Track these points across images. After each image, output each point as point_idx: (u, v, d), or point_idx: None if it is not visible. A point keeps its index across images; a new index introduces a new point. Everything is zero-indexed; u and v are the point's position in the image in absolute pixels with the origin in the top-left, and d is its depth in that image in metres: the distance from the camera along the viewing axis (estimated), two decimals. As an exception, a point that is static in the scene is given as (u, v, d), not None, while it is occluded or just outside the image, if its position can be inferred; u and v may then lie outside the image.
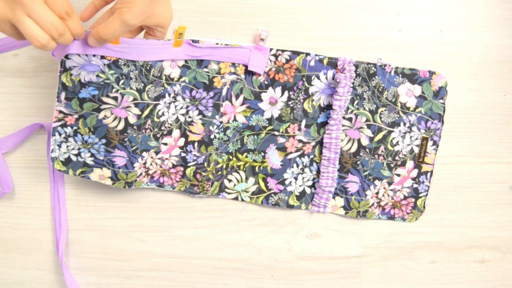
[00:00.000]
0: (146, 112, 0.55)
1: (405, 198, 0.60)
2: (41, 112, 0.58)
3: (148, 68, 0.53)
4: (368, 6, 0.59)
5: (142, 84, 0.54)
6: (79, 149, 0.54)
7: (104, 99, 0.52)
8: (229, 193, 0.59)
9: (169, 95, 0.56)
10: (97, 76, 0.51)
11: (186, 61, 0.56)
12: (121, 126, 0.53)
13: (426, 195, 0.60)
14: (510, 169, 0.61)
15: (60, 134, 0.53)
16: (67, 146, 0.54)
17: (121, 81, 0.52)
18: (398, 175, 0.59)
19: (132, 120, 0.54)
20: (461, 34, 0.59)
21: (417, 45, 0.59)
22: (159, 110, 0.56)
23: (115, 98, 0.52)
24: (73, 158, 0.54)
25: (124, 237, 0.60)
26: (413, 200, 0.60)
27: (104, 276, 0.60)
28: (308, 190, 0.60)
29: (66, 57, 0.50)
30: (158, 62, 0.54)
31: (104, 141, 0.54)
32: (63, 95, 0.52)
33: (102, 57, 0.51)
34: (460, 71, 0.60)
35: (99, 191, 0.59)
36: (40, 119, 0.58)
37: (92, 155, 0.54)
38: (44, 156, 0.59)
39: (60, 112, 0.53)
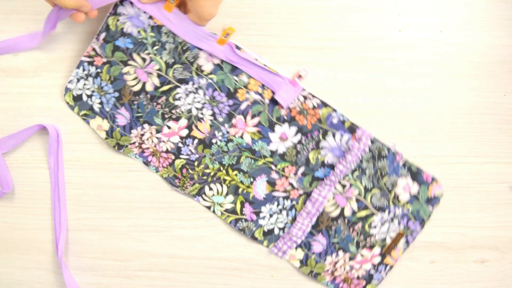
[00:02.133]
0: (165, 88, 0.57)
1: (358, 278, 0.60)
2: (41, 112, 0.58)
3: (184, 48, 0.55)
4: (368, 6, 0.59)
5: (172, 60, 0.56)
6: (93, 91, 0.56)
7: (135, 56, 0.56)
8: (204, 200, 0.59)
9: (193, 84, 0.57)
10: (138, 32, 0.54)
11: (222, 62, 0.57)
12: (137, 88, 0.56)
13: (377, 285, 0.60)
14: (510, 169, 0.61)
15: (83, 70, 0.56)
16: (84, 84, 0.56)
17: (156, 47, 0.55)
18: (362, 255, 0.60)
19: (149, 88, 0.56)
20: (461, 34, 0.60)
21: (417, 45, 0.59)
22: (177, 93, 0.57)
23: (144, 60, 0.55)
24: (84, 97, 0.57)
25: (124, 237, 0.60)
26: (364, 283, 0.60)
27: (104, 276, 0.60)
28: (276, 231, 0.60)
29: (121, 3, 0.53)
30: (195, 48, 0.56)
31: (116, 94, 0.56)
32: (102, 35, 0.55)
33: (150, 17, 0.53)
34: (460, 71, 0.60)
35: (99, 191, 0.59)
36: (40, 119, 0.58)
37: (101, 102, 0.57)
38: (44, 156, 0.59)
39: (93, 49, 0.56)
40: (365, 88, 0.59)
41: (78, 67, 0.56)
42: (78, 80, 0.56)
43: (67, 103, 0.57)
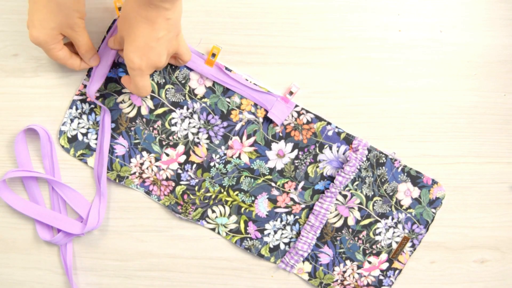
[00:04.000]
0: (159, 111, 0.56)
1: (368, 285, 0.61)
2: (41, 112, 0.58)
3: (173, 67, 0.55)
4: (368, 6, 0.59)
5: (163, 80, 0.56)
6: (88, 128, 0.56)
7: None
8: (208, 223, 0.59)
9: (188, 109, 0.57)
10: None
11: (214, 84, 0.57)
12: (132, 114, 0.56)
13: None
14: (510, 169, 0.61)
15: (77, 109, 0.56)
16: (78, 123, 0.56)
17: None
18: (370, 262, 0.60)
19: (144, 111, 0.56)
20: (461, 34, 0.59)
21: (417, 45, 0.59)
22: (173, 118, 0.57)
23: None
24: (80, 137, 0.57)
25: (124, 237, 0.60)
26: None
27: (104, 276, 0.60)
28: (282, 246, 0.60)
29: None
30: (184, 68, 0.56)
31: (113, 125, 0.56)
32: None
33: None
34: (460, 71, 0.60)
35: (99, 191, 0.59)
36: (40, 119, 0.58)
37: (98, 138, 0.56)
38: (40, 156, 0.59)
39: (85, 86, 0.55)
40: (365, 88, 0.59)
41: (71, 107, 0.56)
42: (72, 120, 0.56)
43: (62, 146, 0.57)
